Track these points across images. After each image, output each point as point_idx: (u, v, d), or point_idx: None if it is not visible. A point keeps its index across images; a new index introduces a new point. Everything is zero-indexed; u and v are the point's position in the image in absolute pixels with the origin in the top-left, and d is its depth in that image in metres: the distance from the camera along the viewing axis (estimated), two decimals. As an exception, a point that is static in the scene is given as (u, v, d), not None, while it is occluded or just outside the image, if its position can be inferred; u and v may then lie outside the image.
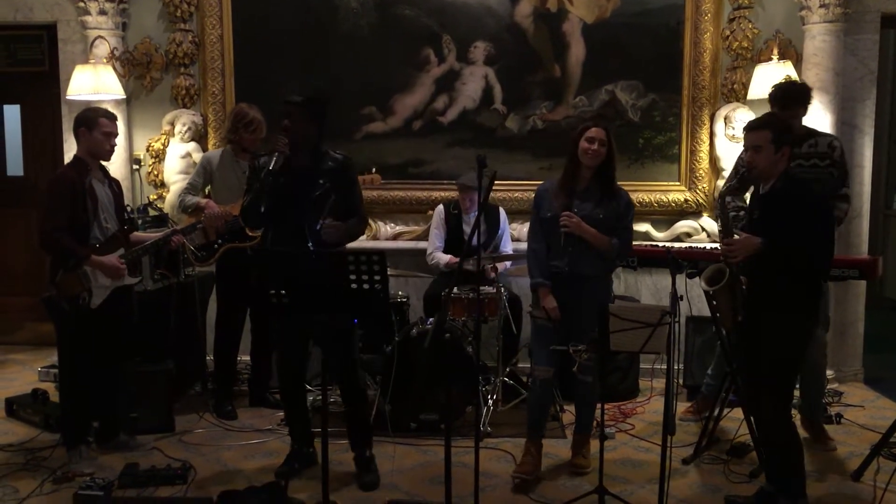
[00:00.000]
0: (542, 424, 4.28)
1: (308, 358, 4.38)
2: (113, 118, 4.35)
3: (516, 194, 5.86)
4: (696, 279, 4.18)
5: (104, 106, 5.62)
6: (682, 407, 5.10)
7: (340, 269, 3.33)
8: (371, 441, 4.29)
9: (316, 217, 3.95)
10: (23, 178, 6.78)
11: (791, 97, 4.41)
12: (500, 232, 5.45)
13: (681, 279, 4.46)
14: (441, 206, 5.62)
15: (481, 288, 5.04)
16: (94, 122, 4.24)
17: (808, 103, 4.47)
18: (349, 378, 4.20)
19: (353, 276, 3.30)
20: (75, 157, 4.32)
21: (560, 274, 4.11)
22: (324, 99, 4.14)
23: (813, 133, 4.52)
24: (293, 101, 4.02)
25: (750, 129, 3.67)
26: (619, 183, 5.70)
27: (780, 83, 4.55)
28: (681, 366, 5.57)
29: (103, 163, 4.44)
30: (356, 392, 4.25)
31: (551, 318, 4.07)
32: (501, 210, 5.54)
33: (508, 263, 5.42)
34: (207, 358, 5.52)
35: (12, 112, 6.77)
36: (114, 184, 4.45)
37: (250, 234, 4.96)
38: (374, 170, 5.25)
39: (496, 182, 5.63)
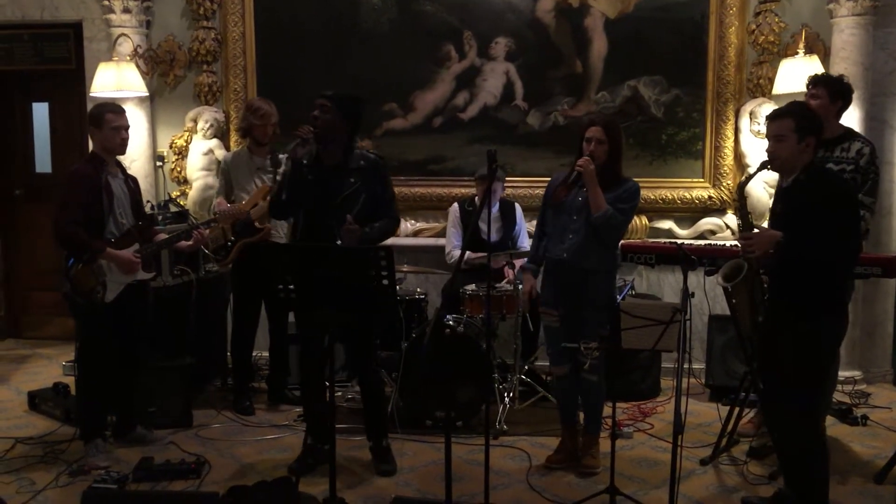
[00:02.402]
0: (571, 413, 4.31)
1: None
2: (119, 111, 4.36)
3: (537, 191, 5.77)
4: (715, 276, 4.10)
5: (127, 103, 5.72)
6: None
7: (349, 265, 3.32)
8: (387, 431, 4.35)
9: (344, 216, 3.97)
10: (51, 174, 6.87)
11: (813, 77, 4.40)
12: (516, 228, 5.41)
13: (700, 277, 4.43)
14: (455, 205, 5.60)
15: (499, 285, 5.03)
16: (100, 118, 4.27)
17: (835, 90, 4.31)
18: (367, 370, 4.27)
19: (361, 273, 3.29)
20: (91, 152, 4.37)
21: (561, 263, 4.08)
22: (356, 98, 4.18)
23: (849, 136, 4.39)
24: (324, 94, 4.09)
25: (772, 117, 3.54)
26: (641, 179, 5.68)
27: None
28: (703, 365, 5.53)
29: (121, 158, 4.49)
30: (374, 384, 4.30)
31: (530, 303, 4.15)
32: (517, 206, 5.50)
33: (526, 260, 5.36)
34: (227, 353, 5.55)
35: (41, 110, 6.86)
36: (130, 180, 4.48)
37: (258, 226, 4.97)
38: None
39: (516, 178, 5.76)
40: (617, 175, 4.09)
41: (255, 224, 4.97)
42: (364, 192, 4.06)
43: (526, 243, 5.43)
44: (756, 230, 3.62)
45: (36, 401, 5.18)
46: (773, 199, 3.76)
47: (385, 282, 3.31)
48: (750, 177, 4.00)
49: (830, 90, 4.30)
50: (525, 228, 5.47)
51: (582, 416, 4.31)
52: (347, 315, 3.50)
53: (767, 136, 3.57)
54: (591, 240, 4.03)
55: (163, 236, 4.54)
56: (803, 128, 3.43)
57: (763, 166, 3.63)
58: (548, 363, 4.54)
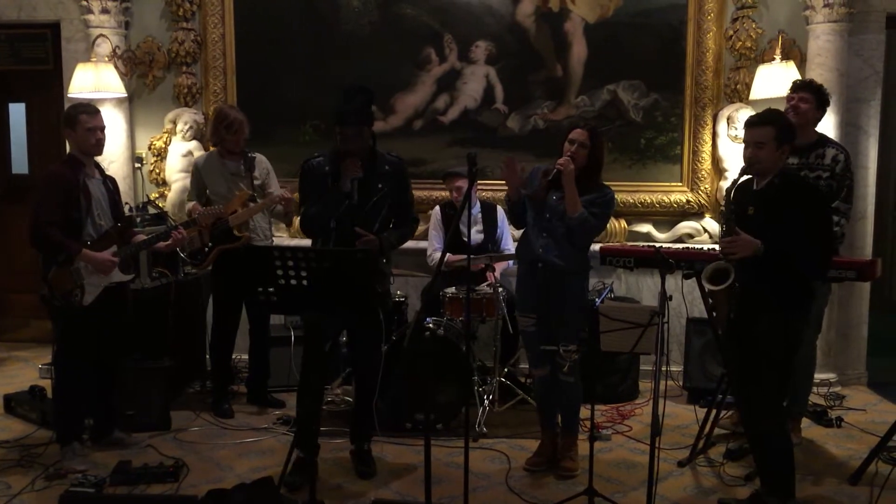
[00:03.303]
0: (551, 415, 4.33)
1: (331, 357, 4.38)
2: (93, 112, 4.31)
3: (517, 194, 5.83)
4: (694, 280, 4.14)
5: (106, 104, 5.69)
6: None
7: (332, 266, 3.31)
8: (370, 437, 4.35)
9: (373, 222, 4.00)
10: (28, 175, 6.82)
11: (803, 83, 4.48)
12: (498, 231, 5.43)
13: (678, 280, 4.46)
14: (437, 208, 5.62)
15: (479, 288, 5.04)
16: (74, 120, 4.23)
17: (821, 97, 4.40)
18: (372, 373, 4.26)
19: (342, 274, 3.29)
20: (69, 154, 4.34)
21: (535, 263, 4.13)
22: (371, 99, 4.05)
23: (824, 142, 4.45)
24: (351, 120, 3.93)
25: (752, 124, 3.60)
26: (620, 183, 5.74)
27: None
28: (681, 368, 5.57)
29: (99, 159, 4.46)
30: (373, 388, 4.29)
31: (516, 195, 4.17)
32: (500, 209, 5.52)
33: (509, 263, 5.40)
34: (206, 356, 5.53)
35: (17, 110, 6.82)
36: (109, 181, 4.45)
37: (237, 234, 4.94)
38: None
39: (497, 181, 5.77)
40: (595, 182, 4.13)
41: (234, 232, 4.93)
42: (390, 198, 4.09)
43: (509, 245, 5.46)
44: (738, 234, 3.65)
45: (12, 404, 5.13)
46: (733, 201, 3.76)
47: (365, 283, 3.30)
48: (735, 182, 4.03)
49: (818, 98, 4.38)
50: (507, 231, 5.49)
51: (560, 417, 4.33)
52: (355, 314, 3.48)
53: (746, 141, 3.62)
54: (564, 240, 4.08)
55: (142, 237, 4.51)
56: (782, 136, 3.54)
57: (744, 172, 3.68)
58: (527, 365, 4.57)
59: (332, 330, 4.16)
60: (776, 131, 3.52)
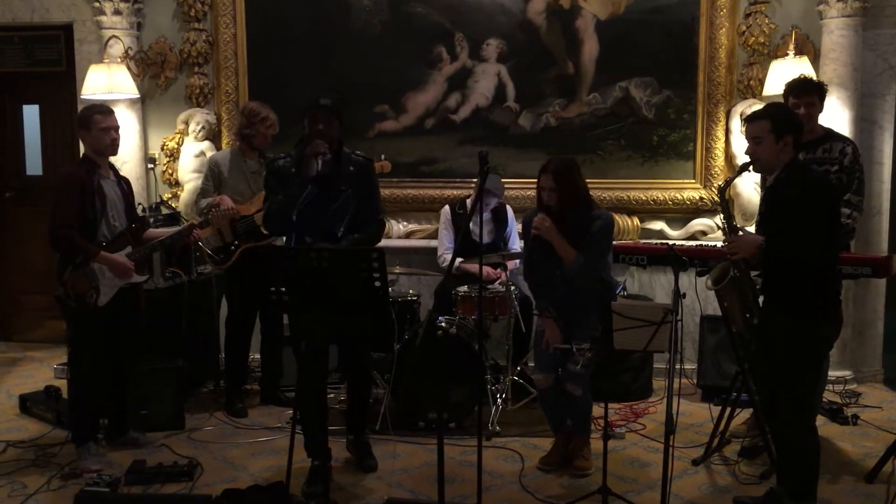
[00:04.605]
0: (560, 421, 4.30)
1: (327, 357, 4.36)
2: (107, 112, 4.33)
3: (528, 192, 5.80)
4: (705, 280, 4.12)
5: (118, 105, 5.71)
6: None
7: (341, 267, 3.32)
8: (364, 428, 4.40)
9: (338, 224, 3.97)
10: (42, 177, 6.85)
11: (804, 85, 4.40)
12: (507, 230, 5.42)
13: (692, 278, 4.44)
14: (447, 207, 5.60)
15: (491, 287, 5.04)
16: (88, 121, 4.26)
17: (823, 94, 4.40)
18: (361, 369, 4.31)
19: (353, 275, 3.29)
20: (83, 155, 4.36)
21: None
22: (342, 99, 4.15)
23: (830, 136, 4.42)
24: (324, 104, 3.99)
25: (748, 120, 3.60)
26: (632, 180, 5.73)
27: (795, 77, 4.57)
28: (695, 366, 5.55)
29: (113, 160, 4.48)
30: (366, 381, 4.38)
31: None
32: (509, 208, 5.51)
33: (519, 262, 5.39)
34: (219, 356, 5.54)
35: (31, 112, 6.84)
36: (123, 182, 4.47)
37: (266, 232, 4.95)
38: (382, 156, 5.25)
39: (508, 179, 5.78)
40: (582, 211, 4.06)
41: (262, 230, 4.94)
42: (355, 199, 4.04)
43: (517, 245, 5.44)
44: (740, 233, 3.63)
45: (27, 404, 5.16)
46: (760, 200, 3.78)
47: (377, 283, 3.30)
48: (729, 180, 4.01)
49: (821, 96, 4.36)
50: (516, 230, 5.47)
51: (570, 421, 4.31)
52: (339, 318, 3.48)
53: (746, 138, 3.61)
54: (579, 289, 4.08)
55: (159, 232, 4.53)
56: (780, 127, 3.48)
57: (743, 168, 3.68)
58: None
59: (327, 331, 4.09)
60: (771, 124, 3.47)
